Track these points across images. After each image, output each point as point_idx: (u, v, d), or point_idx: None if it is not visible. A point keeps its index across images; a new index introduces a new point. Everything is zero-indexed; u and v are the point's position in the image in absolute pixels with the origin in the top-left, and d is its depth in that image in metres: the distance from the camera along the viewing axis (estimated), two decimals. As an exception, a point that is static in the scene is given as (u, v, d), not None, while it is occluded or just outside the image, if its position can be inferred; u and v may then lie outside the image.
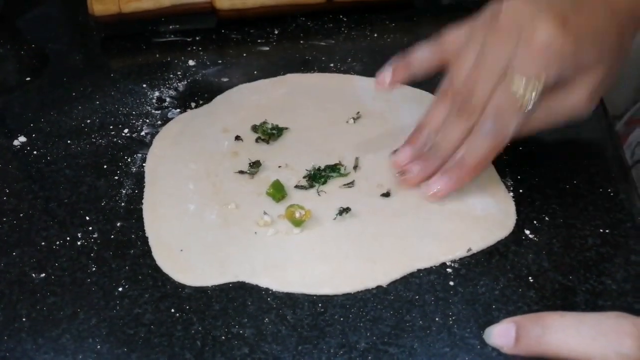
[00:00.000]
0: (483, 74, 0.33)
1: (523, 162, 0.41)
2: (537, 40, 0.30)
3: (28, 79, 0.50)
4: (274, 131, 0.43)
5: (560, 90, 0.33)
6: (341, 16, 0.54)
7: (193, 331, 0.33)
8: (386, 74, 0.37)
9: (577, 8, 0.32)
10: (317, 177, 0.40)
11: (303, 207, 0.37)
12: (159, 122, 0.45)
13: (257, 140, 0.43)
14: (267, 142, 0.43)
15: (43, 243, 0.38)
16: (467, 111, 0.34)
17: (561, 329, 0.26)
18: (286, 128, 0.43)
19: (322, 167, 0.40)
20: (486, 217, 0.37)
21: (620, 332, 0.25)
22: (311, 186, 0.39)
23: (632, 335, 0.25)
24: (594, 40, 0.32)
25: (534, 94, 0.31)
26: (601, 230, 0.37)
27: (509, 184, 0.40)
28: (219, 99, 0.47)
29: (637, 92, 0.61)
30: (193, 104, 0.47)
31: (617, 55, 0.33)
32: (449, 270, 0.35)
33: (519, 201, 0.38)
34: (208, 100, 0.47)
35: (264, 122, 0.44)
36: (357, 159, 0.41)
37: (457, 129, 0.35)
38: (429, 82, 0.48)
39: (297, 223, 0.37)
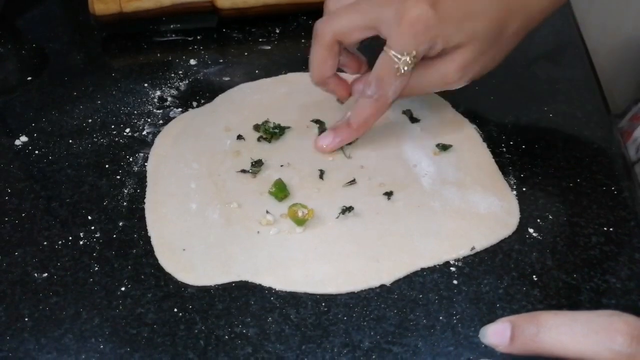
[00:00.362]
0: (351, 13, 0.37)
1: (526, 161, 0.41)
2: (407, 17, 0.34)
3: (29, 78, 0.50)
4: (275, 130, 0.43)
5: (433, 61, 0.37)
6: (342, 15, 0.54)
7: (196, 331, 0.33)
8: (325, 139, 0.41)
9: None
10: None
11: (306, 206, 0.37)
12: (161, 122, 0.45)
13: (259, 139, 0.43)
14: (269, 141, 0.43)
15: (45, 243, 0.37)
16: (320, 33, 0.37)
17: (555, 327, 0.26)
18: (288, 127, 0.43)
19: None
20: (489, 216, 0.37)
21: (612, 329, 0.25)
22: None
23: (623, 332, 0.25)
24: (464, 19, 0.35)
25: (407, 65, 0.35)
26: (605, 229, 0.37)
27: (512, 182, 0.40)
28: (220, 98, 0.47)
29: (637, 88, 0.61)
30: (194, 103, 0.47)
31: (493, 39, 0.37)
32: (452, 269, 0.35)
33: (522, 200, 0.38)
34: (209, 99, 0.47)
35: (266, 121, 0.43)
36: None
37: (314, 51, 0.38)
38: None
39: (300, 222, 0.37)
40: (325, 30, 0.37)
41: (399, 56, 0.35)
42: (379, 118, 0.39)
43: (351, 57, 0.40)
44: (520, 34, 0.38)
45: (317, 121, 0.43)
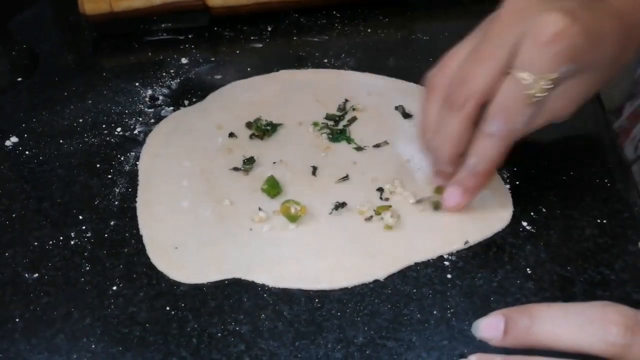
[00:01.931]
0: (479, 62, 0.31)
1: (519, 154, 0.41)
2: (545, 32, 0.28)
3: (19, 79, 0.49)
4: (268, 127, 0.43)
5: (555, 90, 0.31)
6: (334, 12, 0.54)
7: (189, 329, 0.33)
8: (453, 198, 0.35)
9: (584, 6, 0.30)
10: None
11: (298, 203, 0.37)
12: (152, 121, 0.45)
13: (251, 136, 0.43)
14: (261, 139, 0.42)
15: (36, 243, 0.37)
16: (457, 102, 0.32)
17: (549, 319, 0.26)
18: (280, 124, 0.43)
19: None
20: (483, 210, 0.37)
21: (606, 320, 0.25)
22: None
23: (617, 323, 0.25)
24: (599, 40, 0.30)
25: (544, 89, 0.29)
26: (599, 221, 0.36)
27: (505, 175, 0.39)
28: (212, 96, 0.46)
29: (632, 85, 0.61)
30: (186, 102, 0.46)
31: (613, 62, 0.32)
32: (446, 263, 0.35)
33: (515, 193, 0.38)
34: (201, 97, 0.46)
35: (258, 119, 0.43)
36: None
37: (451, 124, 0.32)
38: (420, 72, 0.48)
39: (293, 218, 0.37)
40: (466, 99, 0.30)
41: (532, 80, 0.29)
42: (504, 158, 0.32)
43: None
44: (629, 55, 0.33)
45: (315, 123, 0.43)
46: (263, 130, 0.43)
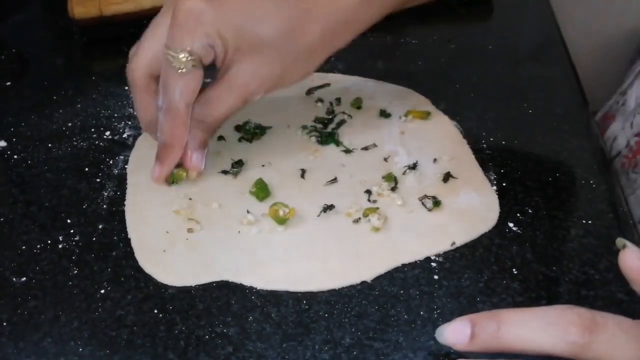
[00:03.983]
0: (143, 41, 0.36)
1: (505, 156, 0.41)
2: (178, 12, 0.33)
3: (8, 83, 0.49)
4: (257, 130, 0.43)
5: (224, 80, 0.34)
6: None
7: (176, 331, 0.33)
8: (154, 171, 0.38)
9: None
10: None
11: (287, 205, 0.37)
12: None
13: (240, 139, 0.43)
14: (250, 142, 0.43)
15: (24, 247, 0.37)
16: (130, 77, 0.37)
17: (515, 323, 0.27)
18: (269, 127, 0.43)
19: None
20: (469, 211, 0.37)
21: (566, 321, 0.26)
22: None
23: (576, 324, 0.26)
24: (245, 24, 0.33)
25: (184, 64, 0.33)
26: (583, 221, 0.37)
27: (491, 177, 0.40)
28: (201, 99, 0.46)
29: (618, 87, 0.61)
30: (176, 105, 0.46)
31: (285, 46, 0.34)
32: (433, 264, 0.35)
33: (502, 194, 0.39)
34: (191, 101, 0.47)
35: (247, 122, 0.43)
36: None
37: (133, 98, 0.38)
38: (409, 76, 0.48)
39: (281, 221, 0.37)
40: (135, 70, 0.36)
41: (174, 54, 0.33)
42: (184, 127, 0.36)
43: None
44: (329, 39, 0.35)
45: (304, 126, 0.43)
46: (252, 133, 0.43)
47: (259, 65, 0.34)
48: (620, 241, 0.29)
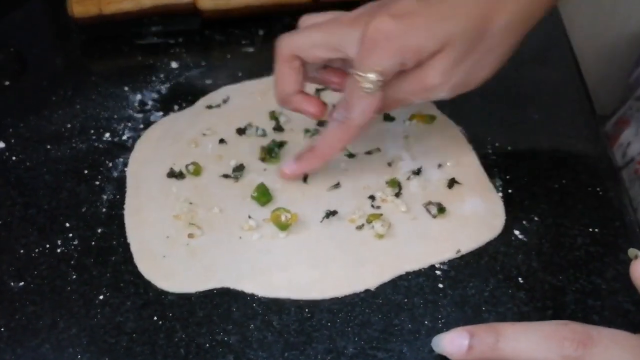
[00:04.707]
0: (313, 30, 0.36)
1: (511, 163, 0.41)
2: (367, 32, 0.32)
3: (7, 83, 0.49)
4: (275, 147, 0.41)
5: (412, 73, 0.34)
6: (327, 16, 0.53)
7: (176, 339, 0.32)
8: (288, 166, 0.39)
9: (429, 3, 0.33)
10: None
11: (289, 211, 0.36)
12: (141, 126, 0.44)
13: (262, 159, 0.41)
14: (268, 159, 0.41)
15: (22, 251, 0.37)
16: (278, 48, 0.36)
17: (512, 336, 0.28)
18: (285, 142, 0.41)
19: None
20: (475, 218, 0.37)
21: (561, 336, 0.27)
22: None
23: (571, 339, 0.27)
24: (435, 24, 0.33)
25: (372, 84, 0.33)
26: (590, 230, 0.36)
27: (497, 184, 0.39)
28: (202, 101, 0.46)
29: (624, 91, 0.61)
30: (176, 107, 0.46)
31: (474, 39, 0.33)
32: (437, 272, 0.35)
33: (507, 201, 0.38)
34: (191, 102, 0.46)
35: (266, 146, 0.41)
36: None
37: (275, 69, 0.37)
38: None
39: (283, 227, 0.36)
40: (283, 45, 0.36)
41: (362, 74, 0.33)
42: (347, 144, 0.37)
43: (333, 73, 0.37)
44: (515, 29, 0.34)
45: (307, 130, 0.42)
46: (271, 151, 0.41)
47: (448, 61, 0.33)
48: (632, 251, 0.29)
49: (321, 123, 0.44)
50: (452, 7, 0.33)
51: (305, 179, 0.40)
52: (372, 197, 0.38)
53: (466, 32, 0.33)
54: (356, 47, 0.33)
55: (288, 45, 0.36)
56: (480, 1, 0.33)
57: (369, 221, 0.36)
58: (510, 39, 0.34)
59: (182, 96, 0.46)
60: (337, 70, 0.37)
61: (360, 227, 0.37)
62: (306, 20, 0.37)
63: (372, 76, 0.33)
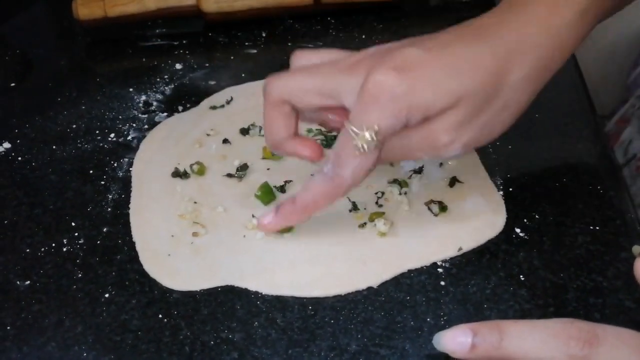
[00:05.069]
0: (309, 75, 0.32)
1: (512, 161, 0.41)
2: (367, 85, 0.29)
3: (13, 84, 0.49)
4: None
5: (417, 129, 0.31)
6: (329, 18, 0.54)
7: (181, 337, 0.32)
8: (265, 217, 0.35)
9: (433, 44, 0.30)
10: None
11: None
12: (146, 127, 0.45)
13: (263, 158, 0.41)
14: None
15: (28, 250, 0.37)
16: (266, 91, 0.34)
17: (516, 334, 0.27)
18: None
19: None
20: (476, 216, 0.37)
21: (567, 335, 0.27)
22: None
23: (577, 338, 0.26)
24: (446, 80, 0.29)
25: (367, 143, 0.30)
26: (591, 228, 0.37)
27: (498, 182, 0.40)
28: (206, 102, 0.46)
29: (624, 91, 0.61)
30: (180, 108, 0.46)
31: (489, 94, 0.30)
32: (439, 270, 0.35)
33: (508, 200, 0.38)
34: (195, 103, 0.46)
35: (253, 124, 0.43)
36: None
37: (264, 113, 0.34)
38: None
39: (288, 229, 0.36)
40: (272, 89, 0.32)
41: (358, 131, 0.29)
42: (333, 201, 0.33)
43: (333, 112, 0.33)
44: (533, 81, 0.31)
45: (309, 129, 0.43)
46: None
47: (458, 118, 0.30)
48: (637, 248, 0.29)
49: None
50: (466, 59, 0.29)
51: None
52: (374, 196, 0.38)
53: (480, 88, 0.29)
54: (353, 97, 0.30)
55: (277, 89, 0.32)
56: (497, 53, 0.30)
57: (371, 219, 0.37)
58: (527, 94, 0.31)
59: (186, 97, 0.47)
60: (337, 109, 0.33)
61: (362, 226, 0.37)
62: (299, 58, 0.34)
63: (368, 135, 0.29)
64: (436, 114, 0.30)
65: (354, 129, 0.30)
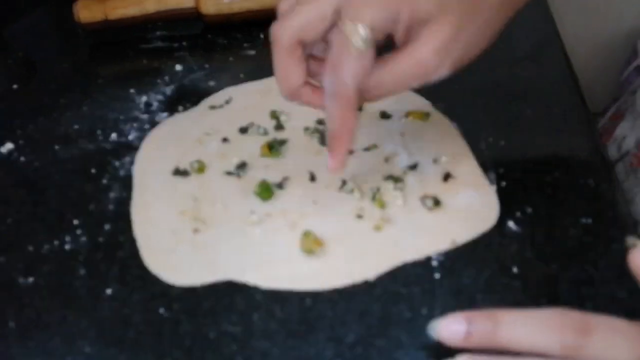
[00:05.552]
0: (307, 3, 0.31)
1: (505, 157, 0.42)
2: None
3: (16, 86, 0.50)
4: (276, 145, 0.42)
5: (404, 48, 0.31)
6: (326, 19, 0.55)
7: (182, 331, 0.33)
8: (329, 162, 0.35)
9: None
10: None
11: (317, 239, 0.35)
12: (147, 126, 0.45)
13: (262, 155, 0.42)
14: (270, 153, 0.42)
15: (31, 248, 0.38)
16: (275, 35, 0.32)
17: (511, 323, 0.28)
18: (285, 140, 0.43)
19: None
20: (469, 210, 0.38)
21: (562, 324, 0.27)
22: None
23: (572, 327, 0.27)
24: None
25: (361, 40, 0.30)
26: (583, 221, 0.37)
27: (491, 177, 0.40)
28: (205, 102, 0.47)
29: (617, 87, 0.62)
30: (180, 108, 0.47)
31: (471, 9, 0.31)
32: (434, 263, 0.36)
33: (501, 194, 0.39)
34: (195, 103, 0.47)
35: (251, 123, 0.43)
36: None
37: (274, 59, 0.33)
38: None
39: (309, 251, 0.36)
40: (283, 33, 0.31)
41: (350, 27, 0.29)
42: (354, 115, 0.32)
43: (318, 64, 0.33)
44: (507, 2, 0.32)
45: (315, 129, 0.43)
46: (272, 147, 0.42)
47: (446, 34, 0.30)
48: (630, 240, 0.29)
49: (320, 121, 0.45)
50: None
51: (312, 178, 0.40)
52: (370, 192, 0.39)
53: (463, 1, 0.30)
54: None
55: (288, 31, 0.31)
56: None
57: (367, 215, 0.37)
58: (502, 15, 0.33)
59: (186, 97, 0.48)
60: (321, 60, 0.33)
61: (358, 220, 0.37)
62: (285, 2, 0.33)
63: (362, 31, 0.29)
64: (421, 29, 0.30)
65: (349, 24, 0.29)
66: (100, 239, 0.38)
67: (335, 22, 0.31)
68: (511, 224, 0.37)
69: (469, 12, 0.31)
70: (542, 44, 0.52)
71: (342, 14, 0.30)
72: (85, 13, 0.51)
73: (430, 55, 0.30)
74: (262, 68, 0.50)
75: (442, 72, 0.32)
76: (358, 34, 0.29)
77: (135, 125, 0.46)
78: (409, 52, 0.31)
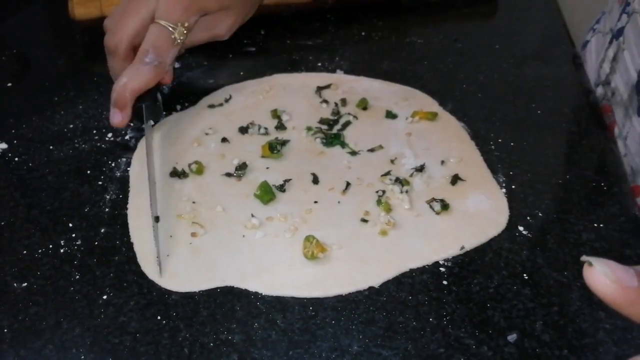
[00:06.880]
0: (127, 16, 0.41)
1: (514, 159, 0.41)
2: None
3: (9, 84, 0.49)
4: (278, 145, 0.41)
5: (205, 23, 0.43)
6: (328, 15, 0.54)
7: (180, 338, 0.32)
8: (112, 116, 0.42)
9: None
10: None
11: (320, 244, 0.34)
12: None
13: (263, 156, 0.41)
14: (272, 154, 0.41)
15: (25, 252, 0.37)
16: (111, 48, 0.42)
17: None
18: (288, 140, 0.42)
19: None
20: (479, 215, 0.37)
21: None
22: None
23: None
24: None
25: (182, 35, 0.40)
26: (595, 225, 0.36)
27: (500, 180, 0.39)
28: (204, 100, 0.46)
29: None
30: (178, 107, 0.46)
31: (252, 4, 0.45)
32: (442, 269, 0.34)
33: (511, 197, 0.38)
34: (194, 102, 0.46)
35: (251, 122, 0.42)
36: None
37: (113, 66, 0.43)
38: (415, 76, 0.48)
39: (313, 256, 0.35)
40: (119, 44, 0.41)
41: (174, 27, 0.40)
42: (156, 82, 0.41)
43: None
44: None
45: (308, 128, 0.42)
46: (273, 147, 0.41)
47: (236, 19, 0.44)
48: (584, 258, 0.23)
49: (323, 122, 0.44)
50: None
51: (315, 180, 0.39)
52: (375, 195, 0.38)
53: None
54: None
55: (125, 40, 0.41)
56: None
57: (372, 218, 0.36)
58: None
59: (184, 96, 0.46)
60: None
61: (363, 224, 0.36)
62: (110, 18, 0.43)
63: (182, 28, 0.40)
64: (220, 14, 0.43)
65: (172, 25, 0.40)
66: (96, 243, 0.37)
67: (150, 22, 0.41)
68: (521, 228, 0.36)
69: (252, 5, 0.46)
70: (551, 43, 0.51)
71: (159, 13, 0.40)
72: (81, 9, 0.50)
73: (225, 31, 0.45)
74: (262, 66, 0.49)
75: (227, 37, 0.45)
76: (180, 32, 0.40)
77: (131, 124, 0.44)
78: (211, 26, 0.45)
